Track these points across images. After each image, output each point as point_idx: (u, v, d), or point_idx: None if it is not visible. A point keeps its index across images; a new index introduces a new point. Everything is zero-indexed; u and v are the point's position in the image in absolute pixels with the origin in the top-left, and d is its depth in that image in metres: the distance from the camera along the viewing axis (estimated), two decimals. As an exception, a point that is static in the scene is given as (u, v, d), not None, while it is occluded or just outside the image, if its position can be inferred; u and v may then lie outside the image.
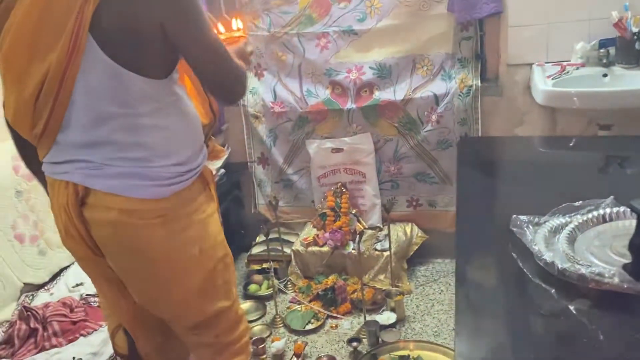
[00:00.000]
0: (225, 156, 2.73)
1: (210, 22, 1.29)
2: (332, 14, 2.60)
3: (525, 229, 1.18)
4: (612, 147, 1.92)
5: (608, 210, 1.21)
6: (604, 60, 2.29)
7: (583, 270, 1.00)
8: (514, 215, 1.23)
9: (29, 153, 1.39)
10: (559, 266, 1.04)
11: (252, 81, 2.80)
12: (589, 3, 2.30)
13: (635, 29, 2.20)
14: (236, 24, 1.57)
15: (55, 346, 1.78)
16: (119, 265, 1.36)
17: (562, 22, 2.36)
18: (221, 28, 1.56)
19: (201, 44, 1.26)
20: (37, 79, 1.20)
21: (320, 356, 2.20)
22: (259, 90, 2.80)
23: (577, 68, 2.32)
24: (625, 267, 0.72)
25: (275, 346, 2.23)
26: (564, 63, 2.36)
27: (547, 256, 1.07)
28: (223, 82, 1.32)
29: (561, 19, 2.35)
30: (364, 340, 2.25)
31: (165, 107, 1.29)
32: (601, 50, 2.30)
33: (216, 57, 1.29)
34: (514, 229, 1.21)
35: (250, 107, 2.82)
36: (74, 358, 1.71)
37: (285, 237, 2.81)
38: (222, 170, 2.76)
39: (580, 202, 1.25)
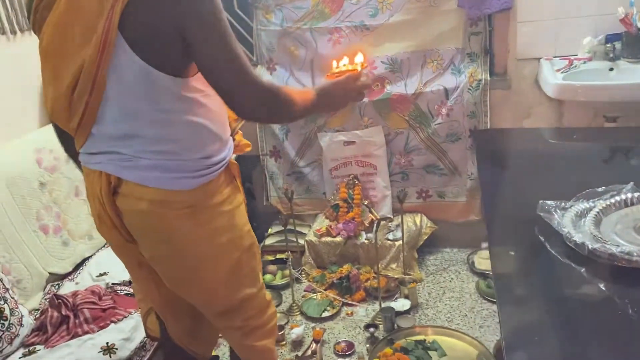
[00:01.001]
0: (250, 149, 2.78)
1: (235, 41, 1.25)
2: (344, 9, 2.66)
3: (554, 212, 1.25)
4: (619, 138, 2.00)
5: (630, 195, 1.28)
6: (611, 55, 2.37)
7: (613, 250, 1.08)
8: (541, 201, 1.30)
9: (68, 141, 1.45)
10: (590, 246, 1.11)
11: (264, 75, 2.85)
12: (595, -1, 2.38)
13: (641, 24, 2.28)
14: (358, 58, 1.54)
15: (87, 332, 1.82)
16: (149, 252, 1.42)
17: (569, 17, 2.43)
18: (342, 61, 1.54)
19: (216, 55, 1.23)
20: (72, 74, 1.25)
21: (339, 341, 2.27)
22: (271, 85, 2.85)
23: (585, 62, 2.40)
24: None
25: (295, 332, 2.30)
26: (572, 57, 2.43)
27: (577, 237, 1.15)
28: (236, 97, 1.28)
29: (569, 14, 2.42)
30: (380, 326, 2.32)
31: (192, 103, 1.32)
32: (608, 45, 2.37)
33: (231, 69, 1.24)
34: (542, 214, 1.28)
35: (263, 100, 2.87)
36: (107, 343, 1.76)
37: (298, 229, 2.87)
38: (235, 163, 2.81)
39: (603, 187, 1.33)
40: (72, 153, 1.47)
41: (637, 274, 1.06)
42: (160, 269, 1.45)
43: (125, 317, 1.90)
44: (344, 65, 1.54)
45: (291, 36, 2.75)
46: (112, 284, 2.10)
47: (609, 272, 1.10)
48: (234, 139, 1.54)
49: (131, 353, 1.79)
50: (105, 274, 2.19)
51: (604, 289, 1.08)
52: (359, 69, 1.52)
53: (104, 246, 2.41)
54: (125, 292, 2.06)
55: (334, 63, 1.56)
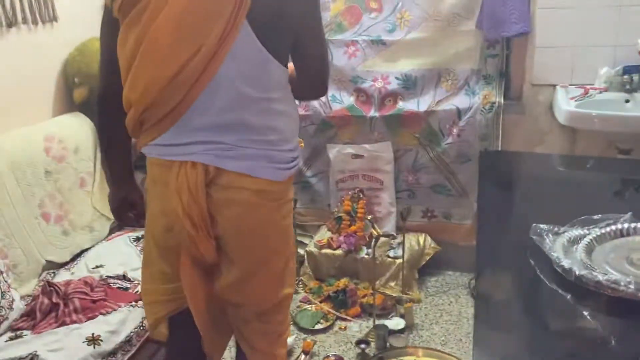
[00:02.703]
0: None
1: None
2: (362, 23, 2.67)
3: (545, 236, 1.22)
4: (630, 170, 1.95)
5: (626, 225, 1.25)
6: (627, 87, 2.33)
7: (600, 278, 1.04)
8: (534, 224, 1.27)
9: (113, 137, 1.44)
10: (577, 272, 1.08)
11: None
12: (615, 29, 2.34)
13: (660, 58, 2.24)
14: None
15: (75, 322, 1.82)
16: (236, 244, 1.37)
17: (588, 46, 2.40)
18: None
19: (318, 41, 1.36)
20: (182, 60, 1.20)
21: (328, 355, 2.24)
22: (285, 93, 2.86)
23: (600, 92, 2.36)
24: None
25: (284, 342, 2.27)
26: (588, 86, 2.40)
27: (566, 262, 1.11)
28: (320, 79, 1.43)
29: (587, 43, 2.40)
30: (372, 343, 2.29)
31: (288, 94, 1.36)
32: (625, 77, 2.34)
33: (327, 56, 1.41)
34: (534, 237, 1.25)
35: (275, 108, 2.88)
36: (92, 334, 1.76)
37: (299, 239, 2.86)
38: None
39: (600, 215, 1.29)
40: (115, 153, 1.48)
41: (623, 305, 1.03)
42: (237, 261, 1.39)
43: (115, 310, 1.90)
44: None
45: (308, 46, 2.76)
46: (107, 276, 2.10)
47: (595, 301, 1.06)
48: None
49: (116, 346, 1.78)
50: (101, 266, 2.20)
51: (587, 317, 1.04)
52: None
53: (104, 239, 2.42)
54: (118, 285, 2.06)
55: None
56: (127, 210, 1.58)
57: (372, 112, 2.71)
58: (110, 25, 1.30)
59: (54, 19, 2.35)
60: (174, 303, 1.46)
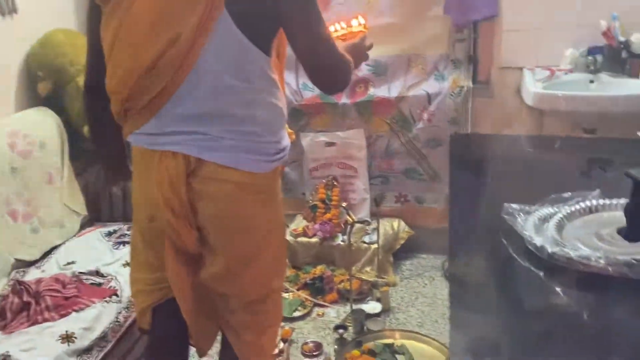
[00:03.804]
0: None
1: (322, 16, 1.28)
2: (331, 9, 2.65)
3: (517, 216, 1.24)
4: (595, 149, 2.00)
5: (594, 202, 1.28)
6: (592, 67, 2.38)
7: (571, 254, 1.07)
8: (506, 203, 1.29)
9: (102, 125, 1.41)
10: (549, 250, 1.10)
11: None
12: (579, 12, 2.39)
13: (622, 38, 2.29)
14: (357, 21, 1.62)
15: (47, 320, 1.79)
16: (219, 236, 1.35)
17: (553, 28, 2.44)
18: (339, 25, 1.60)
19: (310, 34, 1.25)
20: (159, 48, 1.18)
21: (307, 342, 2.25)
22: (255, 82, 2.83)
23: (566, 73, 2.41)
24: (619, 230, 0.78)
25: (263, 331, 2.27)
26: (554, 68, 2.44)
27: (538, 241, 1.13)
28: (325, 74, 1.32)
29: (552, 25, 2.44)
30: (350, 328, 2.31)
31: (274, 84, 1.31)
32: (589, 58, 2.39)
33: (323, 49, 1.26)
34: (506, 216, 1.26)
35: (246, 97, 2.85)
36: (66, 332, 1.73)
37: (275, 227, 2.85)
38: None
39: (569, 193, 1.32)
40: (105, 142, 1.45)
41: (594, 280, 1.05)
42: (221, 253, 1.37)
43: (88, 306, 1.86)
44: (345, 27, 1.59)
45: (276, 34, 2.74)
46: (79, 272, 2.06)
47: (567, 277, 1.09)
48: None
49: (91, 343, 1.75)
50: (73, 262, 2.16)
51: (560, 293, 1.06)
52: (363, 30, 1.59)
53: (75, 235, 2.38)
54: (91, 281, 2.02)
55: (335, 26, 1.59)
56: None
57: (344, 99, 2.71)
58: (94, 12, 1.28)
59: (13, 10, 2.27)
60: (160, 292, 1.45)
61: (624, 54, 2.30)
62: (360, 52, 1.51)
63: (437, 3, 2.54)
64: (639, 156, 1.77)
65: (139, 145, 1.33)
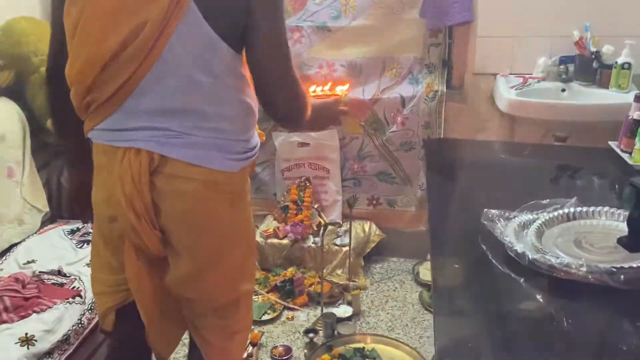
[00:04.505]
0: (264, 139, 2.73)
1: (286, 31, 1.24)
2: (307, 9, 2.63)
3: (497, 222, 1.24)
4: (566, 157, 2.03)
5: (572, 209, 1.29)
6: (563, 76, 2.42)
7: (552, 261, 1.07)
8: (486, 209, 1.29)
9: (65, 117, 1.33)
10: (530, 256, 1.10)
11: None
12: (552, 21, 2.42)
13: (593, 49, 2.34)
14: (342, 88, 1.60)
15: (5, 322, 1.69)
16: (182, 237, 1.30)
17: (527, 36, 2.47)
18: (321, 88, 1.58)
19: (271, 38, 1.20)
20: (123, 35, 1.13)
21: (276, 346, 2.21)
22: (228, 79, 2.78)
23: (538, 81, 2.44)
24: (620, 240, 0.78)
25: (231, 334, 2.22)
26: (526, 75, 2.47)
27: (518, 247, 1.13)
28: (278, 88, 1.24)
29: (526, 33, 2.47)
30: (320, 331, 2.28)
31: (244, 81, 1.27)
32: (561, 67, 2.43)
33: (280, 57, 1.22)
34: (485, 222, 1.26)
35: (218, 95, 2.79)
36: (26, 334, 1.64)
37: (244, 228, 2.80)
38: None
39: (548, 200, 1.32)
40: (70, 135, 1.37)
41: (575, 287, 1.05)
42: (185, 255, 1.32)
43: (50, 307, 1.78)
44: (324, 90, 1.56)
45: (251, 31, 2.69)
46: (40, 272, 1.97)
47: (548, 284, 1.09)
48: None
49: (52, 346, 1.67)
50: (33, 261, 2.06)
51: (541, 300, 1.07)
52: (340, 94, 1.55)
53: (35, 233, 2.28)
54: (52, 281, 1.93)
55: (313, 87, 1.56)
56: (87, 195, 1.43)
57: (318, 100, 2.68)
58: None
59: (-28, -4, 2.16)
60: (122, 295, 1.39)
61: (595, 64, 2.34)
62: (328, 111, 1.49)
63: (413, 6, 2.54)
64: (608, 165, 1.81)
65: (100, 141, 1.27)
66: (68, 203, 1.51)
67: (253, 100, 1.31)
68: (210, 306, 1.42)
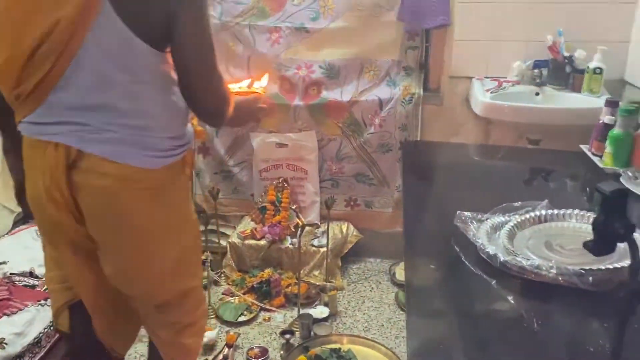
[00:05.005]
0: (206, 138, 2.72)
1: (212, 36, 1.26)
2: (285, 10, 2.62)
3: (470, 223, 1.25)
4: (540, 160, 2.07)
5: (544, 212, 1.31)
6: (537, 80, 2.46)
7: (523, 263, 1.09)
8: (459, 211, 1.31)
9: (3, 111, 1.32)
10: (501, 258, 1.12)
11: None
12: (527, 26, 2.46)
13: (566, 54, 2.38)
14: (260, 83, 1.62)
15: (-26, 325, 1.67)
16: (102, 233, 1.31)
17: (502, 40, 2.51)
18: (243, 83, 1.59)
19: (195, 38, 1.24)
20: (38, 33, 1.14)
21: (252, 347, 2.20)
22: (205, 79, 2.76)
23: (513, 85, 2.48)
24: (586, 244, 0.79)
25: (207, 336, 2.20)
26: (501, 79, 2.51)
27: (490, 249, 1.15)
28: (202, 87, 1.28)
29: (502, 37, 2.50)
30: (297, 332, 2.28)
31: (165, 79, 1.28)
32: (535, 71, 2.47)
33: (204, 56, 1.25)
34: (458, 224, 1.28)
35: (195, 94, 2.77)
36: (-4, 338, 1.62)
37: (221, 230, 2.79)
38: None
39: (519, 202, 1.35)
40: (4, 127, 1.36)
41: (545, 289, 1.08)
42: (110, 252, 1.34)
43: (21, 310, 1.76)
44: (242, 87, 1.59)
45: (229, 31, 2.68)
46: (10, 274, 1.94)
47: (519, 285, 1.11)
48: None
49: (23, 349, 1.65)
50: (4, 263, 2.03)
51: (512, 301, 1.08)
52: (260, 92, 1.59)
53: (7, 234, 2.24)
54: (24, 283, 1.91)
55: (234, 85, 1.59)
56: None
57: (296, 101, 2.68)
58: None
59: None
60: (71, 291, 1.40)
61: (567, 69, 2.39)
62: (248, 108, 1.52)
63: (390, 9, 2.56)
64: (579, 168, 1.84)
65: (27, 134, 1.29)
66: (17, 200, 1.49)
67: (178, 97, 1.32)
68: (151, 303, 1.43)
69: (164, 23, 1.20)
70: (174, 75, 1.28)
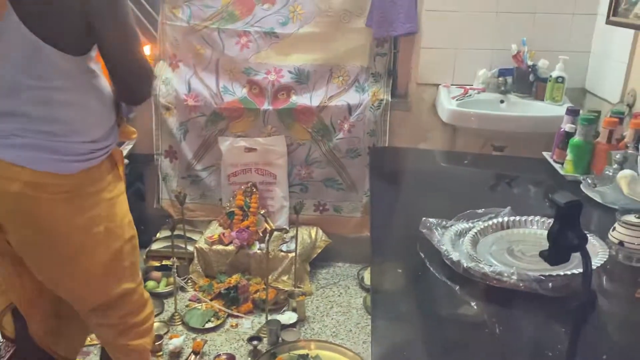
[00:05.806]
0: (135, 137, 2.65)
1: (131, 12, 1.30)
2: (255, 14, 2.62)
3: (435, 230, 1.27)
4: (504, 166, 2.11)
5: (506, 218, 1.33)
6: (502, 88, 2.51)
7: (486, 269, 1.11)
8: (424, 218, 1.32)
9: None
10: (464, 265, 1.13)
11: (165, 71, 2.73)
12: (492, 34, 2.51)
13: (530, 62, 2.44)
14: None
15: None
16: (19, 240, 1.30)
17: (468, 48, 2.55)
18: None
19: (118, 34, 1.26)
20: None
21: (219, 354, 2.18)
22: (173, 81, 2.73)
23: (478, 92, 2.52)
24: (541, 253, 0.81)
25: (173, 343, 2.18)
26: (467, 86, 2.55)
27: (454, 255, 1.17)
28: (132, 76, 1.34)
29: (467, 46, 2.55)
30: (265, 339, 2.27)
31: (80, 84, 1.27)
32: (500, 79, 2.52)
33: (130, 50, 1.30)
34: (423, 230, 1.29)
35: (162, 97, 2.74)
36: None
37: (188, 235, 2.75)
38: (126, 161, 2.64)
39: (483, 209, 1.37)
40: None
41: (507, 294, 1.10)
42: (30, 258, 1.33)
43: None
44: None
45: (197, 34, 2.66)
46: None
47: (482, 291, 1.12)
48: (118, 125, 1.46)
49: (-20, 360, 1.60)
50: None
51: (475, 306, 1.10)
52: None
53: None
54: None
55: None
56: None
57: (265, 105, 2.68)
58: None
59: None
60: (5, 298, 1.41)
61: (531, 77, 2.44)
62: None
63: (359, 15, 2.58)
64: (542, 175, 1.89)
65: None
66: None
67: (95, 101, 1.32)
68: (85, 307, 1.43)
69: (79, 28, 1.20)
70: (89, 79, 1.28)
